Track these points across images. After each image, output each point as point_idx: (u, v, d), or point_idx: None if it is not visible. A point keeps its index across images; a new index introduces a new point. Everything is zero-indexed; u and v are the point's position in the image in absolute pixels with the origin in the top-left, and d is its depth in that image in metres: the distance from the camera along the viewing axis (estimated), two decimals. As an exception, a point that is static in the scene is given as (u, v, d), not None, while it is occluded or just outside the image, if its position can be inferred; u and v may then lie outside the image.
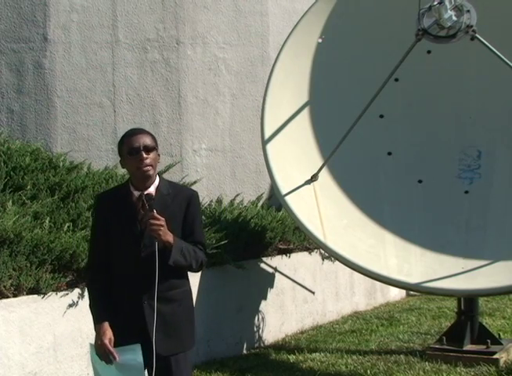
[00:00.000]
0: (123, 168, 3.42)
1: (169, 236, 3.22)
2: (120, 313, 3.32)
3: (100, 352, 3.25)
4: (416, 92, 6.61)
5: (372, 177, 6.52)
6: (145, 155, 3.26)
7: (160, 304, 3.25)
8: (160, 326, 3.24)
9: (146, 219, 3.21)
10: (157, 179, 3.39)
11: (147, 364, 3.32)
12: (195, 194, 3.46)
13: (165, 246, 3.22)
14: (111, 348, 3.22)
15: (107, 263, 3.37)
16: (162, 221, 3.19)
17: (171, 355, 3.31)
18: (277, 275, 7.29)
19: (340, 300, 8.31)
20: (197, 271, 3.46)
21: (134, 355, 3.20)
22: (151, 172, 3.31)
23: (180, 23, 8.00)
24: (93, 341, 3.34)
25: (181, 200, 3.38)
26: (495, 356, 5.78)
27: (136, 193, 3.35)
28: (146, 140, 3.30)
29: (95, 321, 3.35)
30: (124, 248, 3.32)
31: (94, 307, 3.39)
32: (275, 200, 7.54)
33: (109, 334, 3.26)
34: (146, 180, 3.32)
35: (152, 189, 3.35)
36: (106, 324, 3.28)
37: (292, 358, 6.30)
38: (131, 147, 3.28)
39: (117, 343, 3.28)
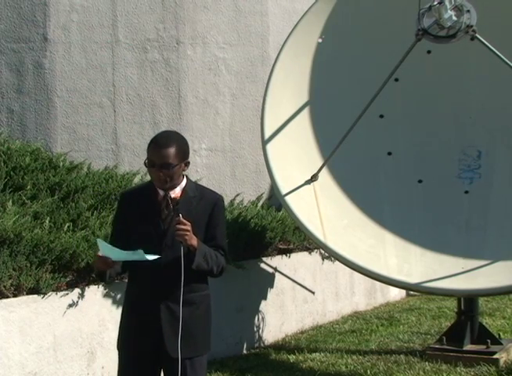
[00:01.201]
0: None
1: (194, 240, 3.20)
2: (136, 313, 3.33)
3: (100, 262, 3.19)
4: (416, 92, 6.61)
5: (372, 177, 6.52)
6: (160, 173, 3.24)
7: (178, 306, 3.23)
8: (177, 329, 3.22)
9: (173, 224, 3.20)
10: (184, 181, 3.38)
11: (158, 367, 3.34)
12: (220, 199, 3.45)
13: (189, 249, 3.21)
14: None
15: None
16: (188, 226, 3.18)
17: (187, 358, 3.28)
18: (277, 275, 7.29)
19: (340, 300, 8.31)
20: (217, 276, 3.43)
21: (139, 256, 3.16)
22: (166, 186, 3.29)
23: (180, 23, 8.00)
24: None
25: (206, 204, 3.37)
26: (495, 356, 5.78)
27: (161, 193, 3.34)
28: (167, 157, 3.22)
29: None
30: (145, 247, 3.28)
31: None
32: (275, 200, 7.54)
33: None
34: (163, 190, 3.32)
35: (178, 191, 3.34)
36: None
37: (292, 358, 6.30)
38: (150, 159, 3.26)
39: (132, 343, 3.29)
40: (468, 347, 6.02)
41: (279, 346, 6.86)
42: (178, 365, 3.23)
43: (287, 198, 6.04)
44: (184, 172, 3.39)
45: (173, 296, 3.23)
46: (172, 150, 3.25)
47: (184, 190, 3.36)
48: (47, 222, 5.54)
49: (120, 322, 3.45)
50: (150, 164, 3.26)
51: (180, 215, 3.20)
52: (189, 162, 3.37)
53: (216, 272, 3.37)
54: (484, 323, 6.47)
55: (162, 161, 3.23)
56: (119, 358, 3.44)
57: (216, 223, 3.40)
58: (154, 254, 3.21)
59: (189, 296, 3.30)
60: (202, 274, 3.35)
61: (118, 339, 3.45)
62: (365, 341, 6.89)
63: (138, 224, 3.33)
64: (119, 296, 5.46)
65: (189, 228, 3.18)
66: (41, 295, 4.97)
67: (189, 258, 3.21)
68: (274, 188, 6.24)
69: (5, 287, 4.80)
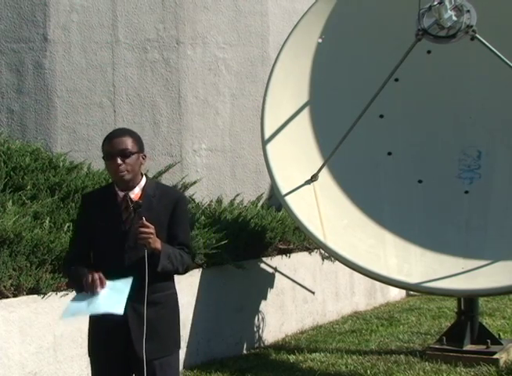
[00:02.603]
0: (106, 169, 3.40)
1: (157, 244, 3.18)
2: (104, 316, 3.24)
3: (87, 282, 3.13)
4: (416, 92, 6.61)
5: (372, 177, 6.52)
6: (119, 161, 3.21)
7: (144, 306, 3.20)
8: (143, 329, 3.19)
9: (136, 227, 3.17)
10: (143, 180, 3.36)
11: (130, 369, 3.31)
12: (182, 197, 3.43)
13: (153, 252, 3.19)
14: (98, 276, 3.13)
15: (84, 262, 3.31)
16: (151, 229, 3.15)
17: (155, 359, 3.26)
18: (277, 275, 7.29)
19: (340, 300, 8.31)
20: (182, 274, 3.41)
21: (125, 286, 3.14)
22: (127, 177, 3.26)
23: (180, 23, 8.00)
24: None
25: (167, 203, 3.33)
26: (495, 356, 5.78)
27: (121, 194, 3.32)
28: (124, 144, 3.24)
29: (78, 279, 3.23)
30: (107, 249, 3.28)
31: (76, 274, 3.27)
32: (275, 200, 7.54)
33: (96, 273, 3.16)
34: (124, 184, 3.30)
35: (137, 191, 3.32)
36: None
37: (292, 358, 6.30)
38: (106, 151, 3.25)
39: (99, 345, 3.27)
40: (468, 347, 6.02)
41: (279, 346, 6.86)
42: (148, 366, 3.20)
43: (287, 198, 6.04)
44: (141, 171, 3.37)
45: (139, 297, 3.18)
46: (128, 138, 3.27)
47: (143, 190, 3.33)
48: (47, 222, 5.54)
49: (89, 327, 3.40)
50: (107, 156, 3.24)
51: (143, 217, 3.16)
52: (145, 155, 3.36)
53: (181, 271, 3.34)
54: (484, 323, 6.47)
55: (120, 148, 3.22)
56: (91, 364, 3.41)
57: (179, 221, 3.35)
58: (117, 256, 3.21)
59: (154, 296, 3.27)
60: (167, 274, 3.32)
61: (88, 345, 3.41)
62: (365, 341, 6.89)
63: (100, 226, 3.30)
64: (119, 296, 5.45)
65: (152, 231, 3.15)
66: (41, 295, 4.97)
67: (152, 261, 3.17)
68: (274, 188, 6.24)
69: (5, 287, 4.80)
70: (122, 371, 3.33)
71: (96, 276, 3.13)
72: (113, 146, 3.24)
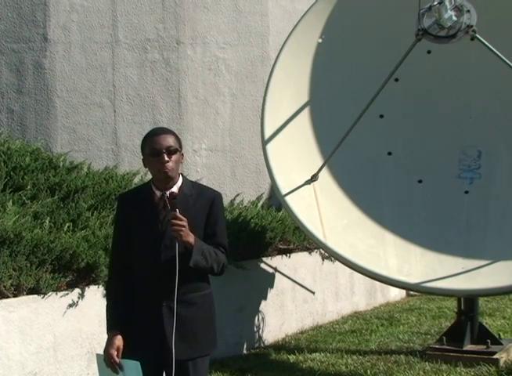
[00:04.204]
0: (145, 167, 3.38)
1: (190, 237, 3.16)
2: (138, 315, 3.29)
3: (107, 360, 3.25)
4: (416, 92, 6.61)
5: (372, 177, 6.52)
6: (166, 158, 3.21)
7: (179, 307, 3.19)
8: (178, 329, 3.18)
9: (168, 219, 3.17)
10: (180, 179, 3.34)
11: (163, 367, 3.30)
12: (218, 196, 3.41)
13: (186, 247, 3.17)
14: (116, 359, 3.22)
15: (128, 265, 3.32)
16: (184, 221, 3.14)
17: (189, 359, 3.25)
18: (277, 275, 7.29)
19: (340, 300, 8.31)
20: (219, 274, 3.38)
21: (136, 371, 3.17)
22: (171, 174, 3.26)
23: (180, 23, 8.00)
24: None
25: (204, 202, 3.33)
26: (495, 356, 5.78)
27: (158, 193, 3.30)
28: (169, 141, 3.24)
29: (107, 327, 3.35)
30: (144, 249, 3.27)
31: (108, 313, 3.38)
32: (275, 200, 7.54)
33: (117, 343, 3.24)
34: (168, 182, 3.28)
35: (175, 190, 3.30)
36: (116, 333, 3.26)
37: (292, 358, 6.30)
38: (153, 148, 3.23)
39: (133, 346, 3.25)
40: (468, 347, 6.02)
41: (279, 346, 6.86)
42: (181, 366, 3.19)
43: (287, 198, 6.04)
44: (179, 171, 3.37)
45: (174, 296, 3.18)
46: (172, 136, 3.29)
47: (180, 189, 3.32)
48: (47, 222, 5.54)
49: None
50: (154, 153, 3.22)
51: (177, 209, 3.16)
52: (183, 154, 3.37)
53: (217, 271, 3.33)
54: (484, 323, 6.47)
55: (166, 145, 3.22)
56: None
57: (215, 221, 3.35)
58: (153, 255, 3.24)
59: (190, 296, 3.27)
60: (202, 273, 3.31)
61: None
62: (365, 341, 6.89)
63: (137, 226, 3.30)
64: (119, 296, 5.45)
65: (184, 223, 3.14)
66: (41, 295, 4.97)
67: (186, 257, 3.16)
68: (274, 188, 6.24)
69: (5, 287, 4.80)
70: (154, 372, 3.31)
71: (113, 360, 3.22)
72: (160, 142, 3.23)
